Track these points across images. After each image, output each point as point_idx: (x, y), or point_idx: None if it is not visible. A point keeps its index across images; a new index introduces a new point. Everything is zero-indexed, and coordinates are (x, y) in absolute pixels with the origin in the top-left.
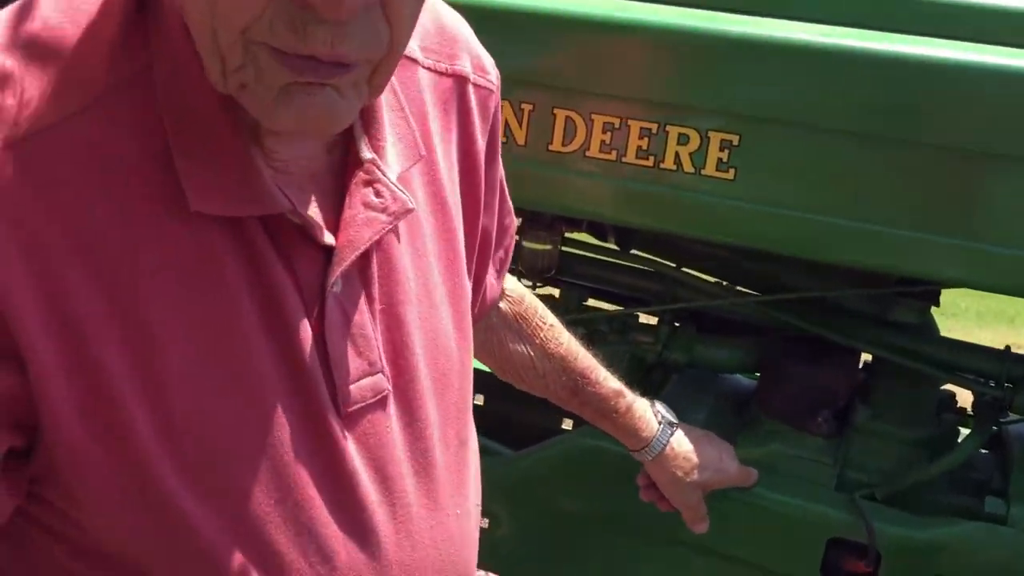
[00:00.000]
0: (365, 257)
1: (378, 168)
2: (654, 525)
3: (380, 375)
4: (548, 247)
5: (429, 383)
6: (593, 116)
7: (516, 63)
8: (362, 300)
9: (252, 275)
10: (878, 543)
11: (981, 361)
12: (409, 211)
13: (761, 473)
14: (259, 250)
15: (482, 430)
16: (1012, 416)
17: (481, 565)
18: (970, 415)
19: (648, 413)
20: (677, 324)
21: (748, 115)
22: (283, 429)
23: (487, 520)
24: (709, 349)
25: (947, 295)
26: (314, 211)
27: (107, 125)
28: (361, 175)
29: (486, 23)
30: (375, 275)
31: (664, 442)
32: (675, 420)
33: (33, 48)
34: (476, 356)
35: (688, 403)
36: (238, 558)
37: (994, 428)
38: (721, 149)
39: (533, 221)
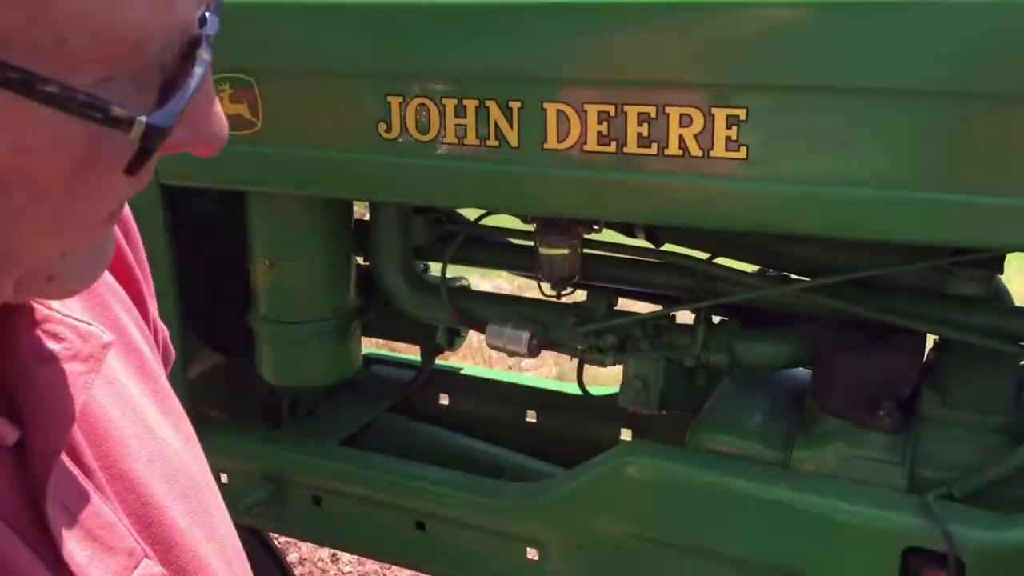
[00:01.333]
0: None
1: (39, 301)
2: (715, 544)
3: (145, 561)
4: (566, 251)
5: (197, 532)
6: (586, 107)
7: (497, 60)
8: (80, 480)
9: None
10: (959, 549)
11: None
12: (107, 346)
13: (822, 479)
14: None
15: (534, 449)
16: None
17: None
18: None
19: None
20: (716, 321)
21: (752, 85)
22: None
23: (536, 551)
24: (753, 346)
25: None
26: None
27: None
28: (14, 319)
29: (466, 21)
30: (79, 436)
31: None
32: None
33: None
34: None
35: (740, 406)
36: None
37: None
38: (728, 126)
39: (547, 225)
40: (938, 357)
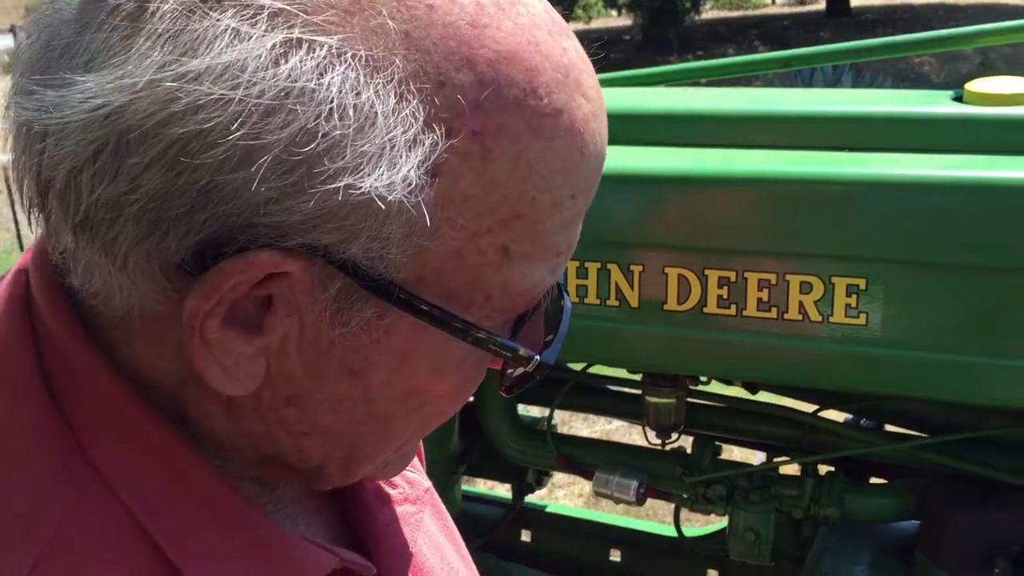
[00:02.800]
0: None
1: None
2: None
3: None
4: (672, 401)
5: None
6: (707, 272)
7: (621, 225)
8: None
9: None
10: None
11: None
12: (428, 490)
13: None
14: None
15: (530, 566)
16: None
17: None
18: None
19: None
20: (822, 473)
21: (874, 257)
22: None
23: None
24: (864, 499)
25: None
26: (336, 537)
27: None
28: None
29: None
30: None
31: None
32: None
33: None
34: None
35: (847, 558)
36: None
37: None
38: (848, 295)
39: (654, 375)
40: None
